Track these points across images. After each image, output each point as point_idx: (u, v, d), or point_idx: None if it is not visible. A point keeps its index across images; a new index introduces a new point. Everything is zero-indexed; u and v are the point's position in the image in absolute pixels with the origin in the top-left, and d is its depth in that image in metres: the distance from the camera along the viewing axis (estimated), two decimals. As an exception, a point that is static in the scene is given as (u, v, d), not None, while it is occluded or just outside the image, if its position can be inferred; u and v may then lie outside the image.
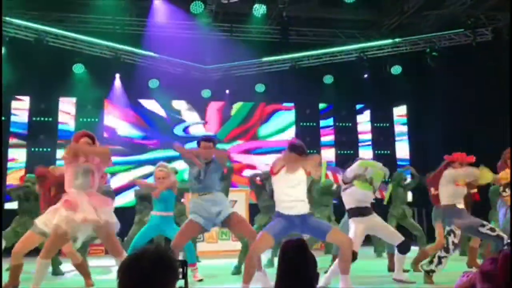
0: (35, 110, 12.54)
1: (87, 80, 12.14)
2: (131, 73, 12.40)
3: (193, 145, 13.25)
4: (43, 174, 5.88)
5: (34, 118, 12.52)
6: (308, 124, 14.25)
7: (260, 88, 13.37)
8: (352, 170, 5.65)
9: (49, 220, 4.60)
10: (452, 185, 5.64)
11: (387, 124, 14.68)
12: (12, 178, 11.64)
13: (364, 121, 14.62)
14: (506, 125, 6.40)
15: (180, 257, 5.80)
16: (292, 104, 14.30)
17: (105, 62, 12.11)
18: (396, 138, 14.61)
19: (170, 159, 12.34)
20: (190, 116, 13.71)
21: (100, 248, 9.96)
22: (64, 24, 11.63)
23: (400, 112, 14.76)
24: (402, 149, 14.48)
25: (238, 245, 7.93)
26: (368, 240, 6.02)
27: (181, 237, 5.27)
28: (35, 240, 5.34)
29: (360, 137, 14.46)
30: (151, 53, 12.49)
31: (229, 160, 5.45)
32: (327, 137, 14.27)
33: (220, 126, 13.78)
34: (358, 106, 14.62)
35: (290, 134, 13.99)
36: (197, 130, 13.63)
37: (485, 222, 5.67)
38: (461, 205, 5.66)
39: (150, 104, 13.40)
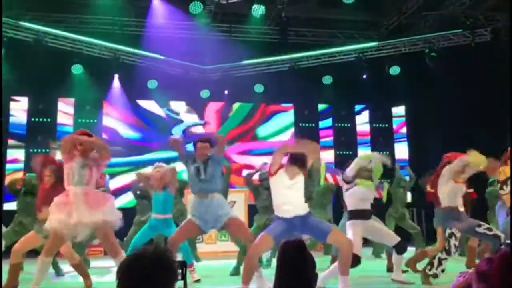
0: (34, 111, 12.53)
1: (86, 81, 12.14)
2: (130, 74, 12.40)
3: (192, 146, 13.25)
4: (45, 162, 5.87)
5: (32, 119, 12.50)
6: (307, 124, 14.24)
7: (259, 88, 13.37)
8: (352, 168, 5.65)
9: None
10: (451, 182, 5.64)
11: (386, 125, 14.69)
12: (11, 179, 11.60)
13: (363, 122, 14.62)
14: (505, 125, 6.40)
15: (179, 258, 5.80)
16: (291, 105, 14.30)
17: (104, 62, 12.11)
18: (395, 139, 14.62)
19: (169, 160, 12.36)
20: (189, 116, 13.70)
21: (99, 249, 9.95)
22: (63, 24, 11.62)
23: (399, 112, 14.77)
24: (401, 150, 14.49)
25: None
26: (366, 240, 6.02)
27: (179, 235, 5.29)
28: (36, 241, 5.36)
29: (359, 137, 14.46)
30: (150, 54, 12.49)
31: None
32: (326, 138, 14.27)
33: (219, 127, 13.77)
34: (357, 107, 14.63)
35: (289, 135, 13.99)
36: (197, 130, 13.62)
37: (481, 222, 5.69)
38: (461, 208, 5.67)
39: (149, 105, 13.39)
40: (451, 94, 12.22)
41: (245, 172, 13.26)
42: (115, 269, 2.09)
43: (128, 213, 8.23)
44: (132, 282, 1.85)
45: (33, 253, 6.15)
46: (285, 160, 4.90)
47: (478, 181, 6.82)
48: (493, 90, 10.66)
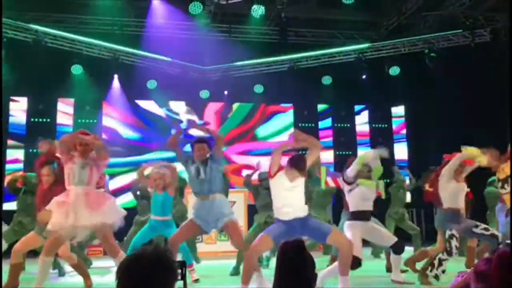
0: (33, 111, 12.53)
1: (86, 81, 12.14)
2: (130, 74, 12.40)
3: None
4: (44, 161, 5.88)
5: (32, 119, 12.50)
6: (306, 125, 14.22)
7: (258, 89, 13.38)
8: (353, 169, 5.65)
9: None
10: (453, 182, 5.64)
11: (386, 125, 14.70)
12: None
13: (362, 122, 14.63)
14: (505, 126, 6.40)
15: (179, 258, 5.81)
16: (290, 105, 14.30)
17: (103, 63, 12.12)
18: (395, 139, 14.62)
19: (169, 160, 12.34)
20: (188, 117, 13.66)
21: (99, 249, 9.94)
22: (62, 25, 11.62)
23: (398, 113, 14.78)
24: (401, 150, 14.49)
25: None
26: (365, 240, 6.02)
27: (180, 234, 5.29)
28: (37, 241, 5.36)
29: (359, 138, 14.46)
30: (150, 54, 12.49)
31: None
32: (326, 138, 14.26)
33: (218, 127, 13.76)
34: (356, 107, 14.63)
35: (288, 135, 13.96)
36: (196, 131, 13.59)
37: (478, 223, 5.69)
38: (462, 209, 5.67)
39: (149, 105, 13.38)
40: (450, 95, 12.23)
41: (244, 172, 13.30)
42: (115, 269, 2.09)
43: (128, 213, 8.24)
44: (131, 282, 1.85)
45: (33, 253, 6.16)
46: (284, 161, 4.90)
47: (477, 181, 6.81)
48: (492, 91, 10.66)
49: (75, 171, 4.73)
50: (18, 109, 12.49)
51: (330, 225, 5.64)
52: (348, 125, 14.50)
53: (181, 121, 13.59)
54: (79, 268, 5.82)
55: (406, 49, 12.92)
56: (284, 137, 13.83)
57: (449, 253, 5.55)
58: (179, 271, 3.15)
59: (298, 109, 14.26)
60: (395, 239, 5.84)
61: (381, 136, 14.50)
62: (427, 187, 6.78)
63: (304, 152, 5.39)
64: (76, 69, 11.91)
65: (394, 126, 14.73)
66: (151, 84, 12.64)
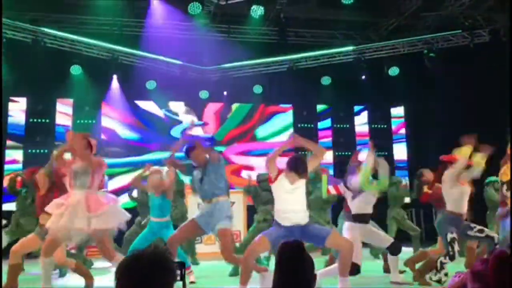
0: (32, 112, 12.50)
1: (85, 82, 12.13)
2: (129, 75, 12.38)
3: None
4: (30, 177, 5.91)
5: (31, 120, 12.48)
6: (306, 125, 14.24)
7: (257, 89, 13.37)
8: (358, 182, 5.66)
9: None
10: (457, 187, 5.64)
11: (385, 126, 14.69)
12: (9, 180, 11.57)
13: (362, 123, 14.62)
14: (504, 126, 6.40)
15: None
16: (290, 105, 14.30)
17: (102, 63, 12.10)
18: (394, 140, 14.61)
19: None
20: (187, 117, 13.69)
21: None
22: (62, 25, 11.61)
23: (398, 113, 14.78)
24: (400, 151, 14.49)
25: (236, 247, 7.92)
26: (363, 242, 6.02)
27: (179, 234, 5.28)
28: (36, 243, 5.35)
29: (358, 138, 14.45)
30: (149, 54, 12.48)
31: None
32: (325, 139, 14.26)
33: (218, 128, 13.76)
34: (356, 108, 14.63)
35: (287, 135, 13.95)
36: (195, 131, 13.61)
37: (472, 225, 5.69)
38: (464, 215, 5.68)
39: (148, 106, 13.38)
40: (450, 95, 12.23)
41: (244, 173, 13.30)
42: (114, 270, 2.09)
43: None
44: (130, 282, 1.84)
45: (32, 254, 6.16)
46: (283, 162, 4.90)
47: (476, 181, 6.80)
48: (492, 91, 10.66)
49: (76, 175, 4.74)
50: (17, 110, 12.47)
51: (329, 228, 5.61)
52: (348, 125, 14.50)
53: (180, 122, 13.63)
54: (79, 270, 5.83)
55: (406, 49, 12.93)
56: (283, 137, 13.84)
57: (451, 258, 5.55)
58: (178, 271, 3.14)
59: (298, 109, 14.26)
60: (392, 240, 5.87)
61: (381, 137, 14.49)
62: (426, 189, 6.78)
63: (304, 152, 5.39)
64: (75, 70, 11.90)
65: (393, 127, 14.73)
66: (150, 84, 12.63)
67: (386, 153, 14.39)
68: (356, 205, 5.77)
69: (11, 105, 12.35)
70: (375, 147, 6.03)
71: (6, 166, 11.94)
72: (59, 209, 4.65)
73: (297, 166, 4.72)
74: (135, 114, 13.28)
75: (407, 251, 7.13)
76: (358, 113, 14.67)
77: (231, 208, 5.45)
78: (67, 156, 4.97)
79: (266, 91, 13.42)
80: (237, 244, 8.37)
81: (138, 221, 8.16)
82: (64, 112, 12.83)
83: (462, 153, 5.59)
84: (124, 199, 11.37)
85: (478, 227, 5.72)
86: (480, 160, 5.66)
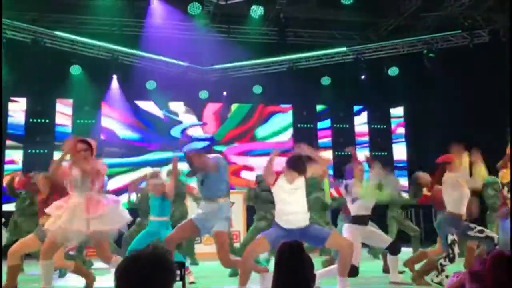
0: (32, 112, 12.50)
1: (84, 82, 12.13)
2: (129, 75, 12.38)
3: (190, 146, 13.22)
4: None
5: (31, 120, 12.48)
6: (305, 125, 14.24)
7: (257, 89, 13.37)
8: (358, 193, 5.68)
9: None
10: (458, 188, 5.63)
11: (385, 126, 14.69)
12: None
13: (361, 123, 14.62)
14: (504, 126, 6.40)
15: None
16: (289, 106, 14.30)
17: (102, 63, 12.10)
18: (394, 140, 14.62)
19: (167, 161, 12.35)
20: (187, 117, 13.70)
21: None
22: (61, 25, 11.61)
23: (397, 113, 14.78)
24: (400, 151, 14.49)
25: (235, 247, 7.93)
26: (363, 242, 6.03)
27: (176, 233, 5.25)
28: (35, 245, 5.35)
29: (358, 138, 14.46)
30: (149, 55, 12.48)
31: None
32: (325, 139, 14.27)
33: (217, 128, 13.76)
34: (355, 108, 14.62)
35: (287, 135, 13.99)
36: (195, 131, 13.62)
37: (472, 225, 5.69)
38: (464, 216, 5.68)
39: (148, 106, 13.38)
40: (449, 95, 12.23)
41: (244, 174, 13.32)
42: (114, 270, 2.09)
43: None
44: (130, 283, 1.84)
45: (32, 254, 6.16)
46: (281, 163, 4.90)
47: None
48: (491, 91, 10.66)
49: (77, 178, 4.74)
50: (17, 110, 12.48)
51: (329, 229, 5.61)
52: (347, 125, 14.49)
53: (180, 122, 13.63)
54: (79, 271, 5.84)
55: (405, 49, 12.93)
56: (283, 137, 13.86)
57: (451, 260, 5.55)
58: (178, 272, 3.15)
59: (297, 109, 14.26)
60: (391, 240, 5.88)
61: (380, 137, 14.51)
62: (425, 191, 6.79)
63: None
64: (75, 70, 11.91)
65: (393, 127, 14.73)
66: (150, 84, 12.63)
67: (386, 153, 14.41)
68: (355, 208, 5.78)
69: (11, 105, 12.35)
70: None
71: (6, 166, 11.95)
72: (58, 211, 4.66)
73: (296, 164, 4.74)
74: (134, 114, 13.28)
75: (406, 251, 7.13)
76: (358, 113, 14.67)
77: (231, 208, 5.42)
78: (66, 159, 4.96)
79: (265, 91, 13.42)
80: (237, 245, 8.40)
81: (139, 222, 8.15)
82: (63, 112, 12.83)
83: (478, 173, 5.58)
84: (123, 200, 11.44)
85: (478, 227, 5.72)
86: (484, 173, 5.67)
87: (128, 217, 4.92)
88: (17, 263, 5.37)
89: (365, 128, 14.59)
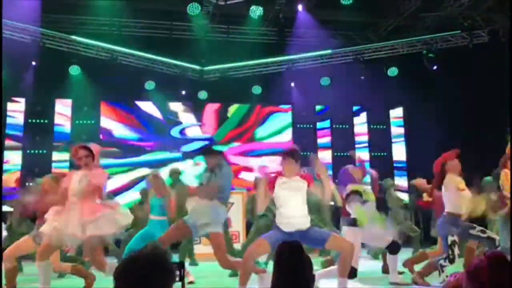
0: (31, 112, 12.49)
1: (83, 82, 12.11)
2: (128, 75, 12.36)
3: (189, 147, 13.24)
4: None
5: (30, 120, 12.46)
6: (305, 126, 14.24)
7: (257, 90, 13.34)
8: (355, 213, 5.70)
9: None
10: (458, 192, 5.63)
11: (384, 126, 14.68)
12: (8, 180, 11.57)
13: (361, 123, 14.62)
14: (504, 126, 6.41)
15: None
16: (289, 106, 14.29)
17: (101, 63, 12.08)
18: (393, 140, 14.61)
19: (166, 161, 12.36)
20: (186, 117, 13.69)
21: (97, 250, 9.89)
22: (60, 25, 11.59)
23: (397, 113, 14.77)
24: (399, 151, 14.48)
25: (235, 247, 7.92)
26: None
27: (168, 234, 5.24)
28: (30, 246, 5.34)
29: (357, 138, 14.46)
30: (148, 55, 12.47)
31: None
32: (324, 139, 14.27)
33: (216, 128, 13.75)
34: (355, 108, 14.62)
35: (287, 135, 13.99)
36: (194, 132, 13.61)
37: (475, 225, 5.69)
38: (463, 216, 5.68)
39: (147, 106, 13.37)
40: (449, 95, 12.23)
41: (243, 174, 13.31)
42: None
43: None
44: (129, 283, 1.83)
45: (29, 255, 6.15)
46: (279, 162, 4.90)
47: (475, 182, 6.81)
48: (491, 91, 10.67)
49: (75, 183, 4.77)
50: (16, 110, 12.46)
51: (329, 231, 5.59)
52: (347, 126, 14.49)
53: (180, 123, 13.62)
54: (78, 272, 5.84)
55: (405, 50, 12.93)
56: (283, 137, 13.85)
57: (451, 261, 5.55)
58: (177, 272, 3.13)
59: (297, 109, 14.25)
60: (390, 239, 5.87)
61: (380, 137, 14.48)
62: (426, 197, 6.79)
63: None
64: (74, 70, 11.89)
65: (392, 127, 14.72)
66: (149, 85, 12.61)
67: (385, 153, 14.41)
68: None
69: (10, 105, 12.33)
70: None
71: (5, 166, 11.92)
72: (56, 216, 4.68)
73: (292, 152, 4.80)
74: (134, 114, 13.28)
75: (406, 252, 7.13)
76: (357, 113, 14.67)
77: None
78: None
79: (265, 91, 13.41)
80: (236, 245, 8.39)
81: (138, 223, 8.12)
82: (62, 113, 12.82)
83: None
84: (122, 200, 11.44)
85: (480, 228, 5.72)
86: (482, 206, 5.71)
87: (125, 221, 4.90)
88: (13, 266, 5.36)
89: (364, 128, 14.59)
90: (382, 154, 14.32)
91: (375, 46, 12.93)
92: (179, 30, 12.17)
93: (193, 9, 10.62)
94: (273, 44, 12.76)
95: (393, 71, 12.79)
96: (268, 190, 4.82)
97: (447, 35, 12.55)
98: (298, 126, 14.18)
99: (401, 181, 13.74)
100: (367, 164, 6.31)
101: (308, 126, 14.25)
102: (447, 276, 5.52)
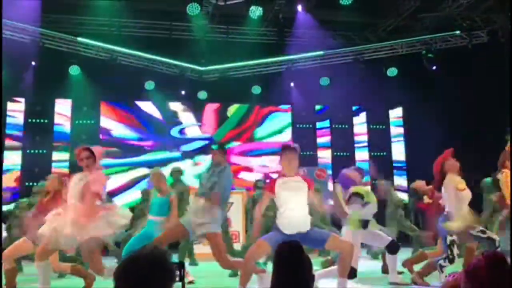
0: (31, 112, 12.50)
1: (83, 82, 12.12)
2: (127, 75, 12.36)
3: (189, 146, 13.24)
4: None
5: (30, 120, 12.47)
6: (304, 125, 14.24)
7: (256, 90, 13.35)
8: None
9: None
10: (459, 193, 5.63)
11: (384, 126, 14.70)
12: (8, 180, 11.57)
13: (360, 123, 14.63)
14: (504, 126, 6.42)
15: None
16: (288, 106, 14.30)
17: (101, 63, 12.08)
18: (392, 140, 14.62)
19: (166, 161, 12.35)
20: (186, 117, 13.69)
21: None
22: (60, 25, 11.59)
23: (396, 113, 14.78)
24: (398, 151, 14.49)
25: (235, 247, 7.93)
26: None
27: (164, 235, 5.22)
28: (29, 247, 5.35)
29: (357, 138, 14.47)
30: (147, 55, 12.47)
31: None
32: (324, 139, 14.28)
33: (216, 128, 13.76)
34: (354, 108, 14.63)
35: (286, 135, 14.00)
36: (194, 132, 13.62)
37: (475, 225, 5.69)
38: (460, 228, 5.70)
39: (146, 106, 13.37)
40: (448, 95, 12.24)
41: (243, 174, 13.32)
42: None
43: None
44: (128, 283, 1.83)
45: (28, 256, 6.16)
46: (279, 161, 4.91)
47: (475, 182, 6.83)
48: (490, 91, 10.67)
49: (73, 185, 4.79)
50: (16, 110, 12.46)
51: (329, 232, 5.59)
52: (346, 126, 14.50)
53: (180, 123, 13.63)
54: (78, 272, 5.84)
55: (404, 50, 12.93)
56: (281, 137, 13.85)
57: (451, 261, 5.55)
58: (177, 272, 3.14)
59: (296, 109, 14.25)
60: (389, 239, 5.88)
61: (379, 137, 14.49)
62: (426, 199, 6.79)
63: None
64: (74, 70, 11.90)
65: (392, 127, 14.73)
66: (149, 85, 12.61)
67: (385, 153, 14.42)
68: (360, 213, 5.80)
69: (10, 105, 12.34)
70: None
71: (4, 166, 11.92)
72: (55, 218, 4.70)
73: (290, 146, 4.86)
74: (133, 114, 13.29)
75: (406, 252, 7.13)
76: (357, 113, 14.68)
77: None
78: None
79: (264, 91, 13.41)
80: (236, 245, 8.40)
81: (138, 223, 8.13)
82: (62, 113, 12.83)
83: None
84: (121, 200, 11.45)
85: (481, 228, 5.72)
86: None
87: (123, 222, 4.90)
88: (12, 267, 5.37)
89: (364, 128, 14.60)
90: (381, 154, 14.33)
91: (374, 47, 12.93)
92: (179, 30, 12.17)
93: (193, 9, 10.62)
94: (272, 44, 12.76)
95: (392, 71, 12.80)
96: (269, 192, 4.83)
97: (447, 36, 12.55)
98: (297, 126, 14.19)
99: (401, 181, 13.76)
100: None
101: (307, 126, 14.26)
102: (446, 276, 5.54)
